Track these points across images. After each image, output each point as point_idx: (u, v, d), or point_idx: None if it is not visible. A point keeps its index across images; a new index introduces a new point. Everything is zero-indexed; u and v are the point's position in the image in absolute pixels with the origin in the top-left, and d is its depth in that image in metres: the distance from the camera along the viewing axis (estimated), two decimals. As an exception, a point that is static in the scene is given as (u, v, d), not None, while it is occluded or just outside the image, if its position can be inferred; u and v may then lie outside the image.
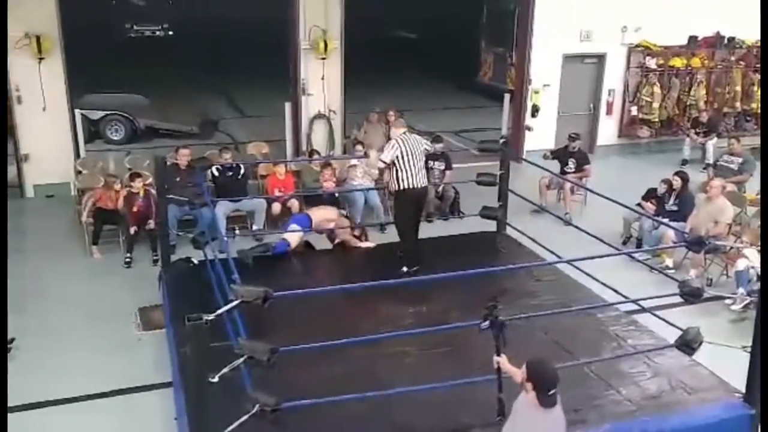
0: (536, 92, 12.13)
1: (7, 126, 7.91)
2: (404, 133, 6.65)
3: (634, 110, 12.69)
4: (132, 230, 8.03)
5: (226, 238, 6.50)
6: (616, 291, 5.93)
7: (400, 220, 6.78)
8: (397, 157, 6.52)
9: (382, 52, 20.21)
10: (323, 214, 7.37)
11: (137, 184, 8.32)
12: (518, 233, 7.41)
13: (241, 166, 8.83)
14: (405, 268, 6.54)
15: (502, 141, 7.49)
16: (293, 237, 7.00)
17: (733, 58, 13.07)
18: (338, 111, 10.95)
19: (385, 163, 6.54)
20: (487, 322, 4.28)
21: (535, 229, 7.71)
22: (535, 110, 12.19)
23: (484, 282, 5.95)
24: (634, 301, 5.61)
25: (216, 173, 8.61)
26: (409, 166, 6.49)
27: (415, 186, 6.50)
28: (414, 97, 17.14)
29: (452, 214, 9.55)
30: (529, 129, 12.17)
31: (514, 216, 7.92)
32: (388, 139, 6.94)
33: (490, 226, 7.71)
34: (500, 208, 7.56)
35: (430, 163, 9.52)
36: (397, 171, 6.54)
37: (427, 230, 7.95)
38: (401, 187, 6.52)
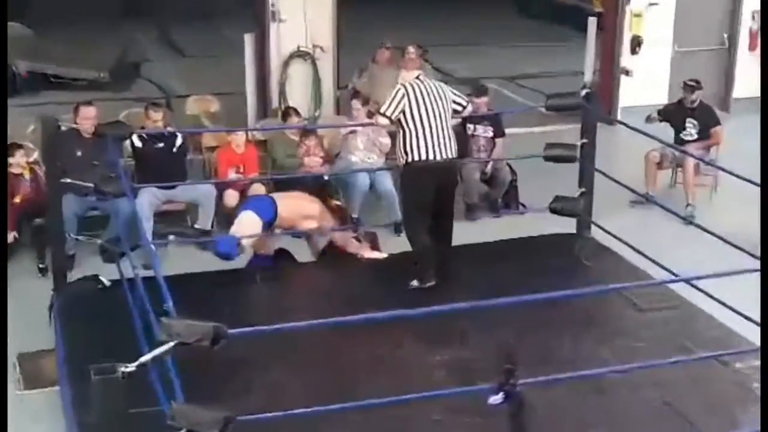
0: (637, 16, 12.11)
1: (7, 126, 8.16)
2: (418, 77, 6.71)
3: (791, 43, 12.64)
4: (11, 237, 8.07)
5: (153, 246, 6.50)
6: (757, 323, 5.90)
7: (406, 211, 6.88)
8: (403, 111, 6.59)
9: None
10: (296, 206, 7.33)
11: (18, 160, 8.36)
12: (610, 237, 7.39)
13: (178, 133, 8.86)
14: (415, 282, 6.63)
15: (584, 93, 7.46)
16: (247, 232, 7.00)
17: None
18: (328, 47, 10.96)
19: (386, 117, 6.68)
20: (499, 395, 4.24)
21: (637, 231, 7.69)
22: (637, 44, 12.16)
23: (554, 312, 5.95)
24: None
25: (138, 144, 8.65)
26: (422, 127, 6.56)
27: (431, 157, 6.57)
28: (447, 26, 17.19)
29: (507, 207, 9.54)
30: (627, 74, 12.15)
31: (604, 210, 7.90)
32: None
33: (566, 225, 7.70)
34: (582, 197, 7.54)
35: (470, 127, 9.53)
36: (403, 133, 6.62)
37: (468, 232, 7.95)
38: (408, 159, 6.62)
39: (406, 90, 6.64)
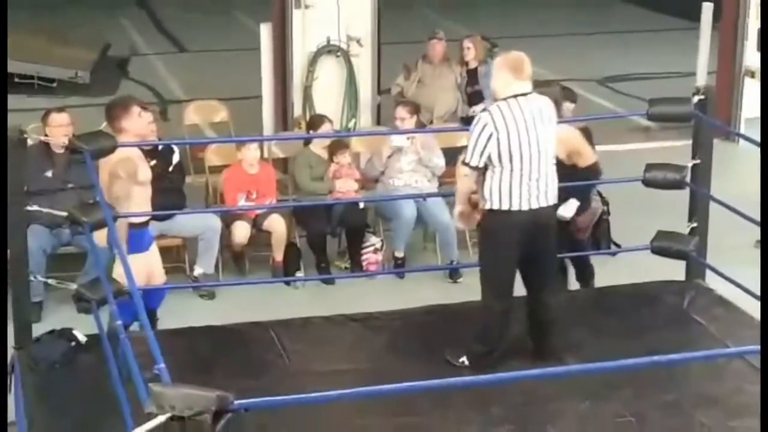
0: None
1: (6, 125, 8.45)
2: (515, 97, 6.33)
3: None
4: None
5: (139, 291, 6.54)
6: None
7: (485, 268, 6.70)
8: (491, 151, 6.31)
9: None
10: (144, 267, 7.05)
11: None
12: (731, 286, 7.33)
13: (174, 148, 8.96)
14: (464, 359, 6.54)
15: (696, 99, 7.46)
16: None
17: None
18: (366, 40, 11.04)
19: (472, 168, 6.39)
20: None
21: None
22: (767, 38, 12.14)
23: (654, 382, 5.90)
24: None
25: (123, 162, 8.75)
26: (515, 168, 6.34)
27: (522, 207, 6.38)
28: (519, 13, 17.25)
29: (596, 246, 9.52)
30: (752, 75, 12.12)
31: (724, 252, 7.87)
32: (468, 96, 6.88)
33: (673, 270, 7.68)
34: (694, 234, 7.53)
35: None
36: (490, 174, 6.44)
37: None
38: (494, 206, 6.44)
39: (493, 118, 6.28)
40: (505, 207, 6.35)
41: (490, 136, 6.26)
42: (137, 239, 7.02)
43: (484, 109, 6.60)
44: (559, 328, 6.66)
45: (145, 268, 7.00)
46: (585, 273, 8.37)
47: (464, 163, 6.41)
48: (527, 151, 6.28)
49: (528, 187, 6.33)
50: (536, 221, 6.40)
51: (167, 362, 4.57)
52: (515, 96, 6.32)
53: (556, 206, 6.59)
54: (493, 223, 6.46)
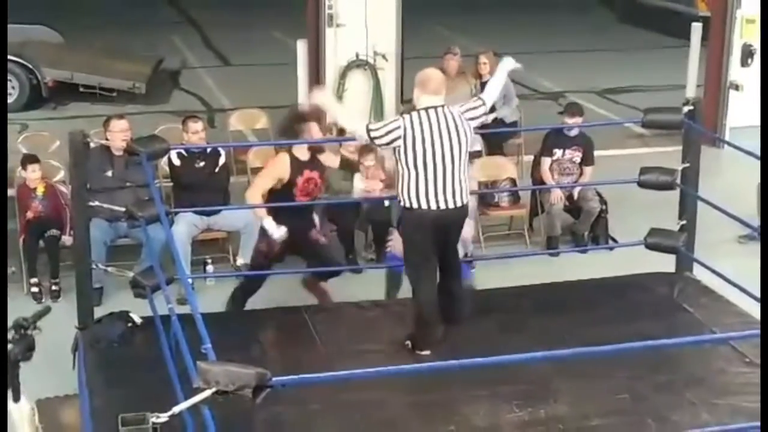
0: (750, 22, 12.01)
1: (6, 125, 8.51)
2: (428, 110, 6.29)
3: None
4: (21, 240, 8.38)
5: (190, 279, 6.56)
6: None
7: (407, 260, 6.65)
8: (397, 143, 6.27)
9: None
10: None
11: (31, 175, 8.60)
12: (716, 278, 7.29)
13: (221, 151, 8.97)
14: (408, 343, 6.52)
15: (686, 109, 7.42)
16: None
17: None
18: (391, 55, 11.02)
19: (368, 137, 6.36)
20: None
21: (748, 271, 7.55)
22: (749, 54, 12.05)
23: (645, 366, 5.90)
24: None
25: (177, 162, 8.76)
26: (419, 170, 6.26)
27: (431, 207, 6.30)
28: (527, 31, 17.20)
29: (595, 242, 9.49)
30: (736, 88, 12.04)
31: (710, 246, 7.86)
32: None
33: (664, 263, 7.65)
34: (683, 231, 7.49)
35: (557, 152, 9.50)
36: (402, 173, 6.37)
37: (549, 269, 7.91)
38: (407, 204, 6.38)
39: (405, 123, 6.25)
40: (414, 203, 6.31)
41: (397, 128, 6.25)
42: None
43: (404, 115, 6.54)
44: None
45: None
46: None
47: (367, 129, 6.38)
48: (432, 148, 6.21)
49: (432, 186, 6.25)
50: (440, 219, 6.32)
51: (213, 343, 4.60)
52: (426, 109, 6.30)
53: (460, 208, 6.39)
54: (409, 220, 6.43)
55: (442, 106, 6.32)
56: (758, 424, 5.34)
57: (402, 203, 6.40)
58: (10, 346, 5.04)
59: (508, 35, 15.96)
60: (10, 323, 5.10)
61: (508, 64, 6.78)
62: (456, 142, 6.25)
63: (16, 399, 5.07)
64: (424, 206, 6.28)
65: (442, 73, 6.71)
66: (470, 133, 6.38)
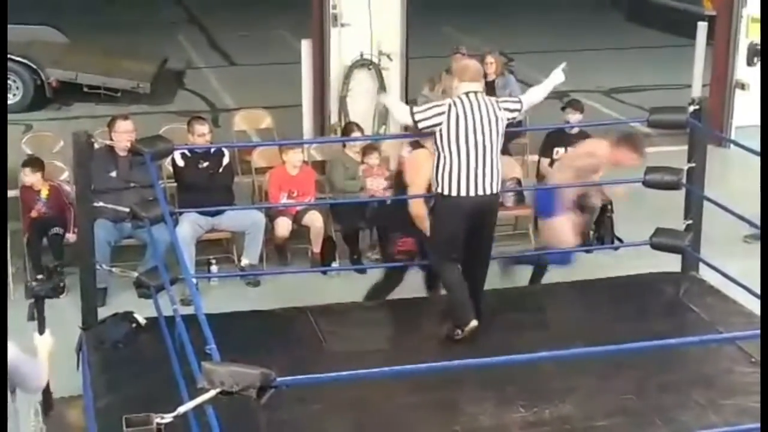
0: (756, 21, 11.98)
1: (6, 125, 8.57)
2: (471, 93, 6.47)
3: None
4: (25, 238, 8.44)
5: (195, 280, 6.56)
6: None
7: (434, 244, 6.73)
8: (440, 128, 6.41)
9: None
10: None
11: (32, 178, 8.65)
12: (721, 278, 7.29)
13: (225, 151, 8.97)
14: (459, 331, 6.52)
15: (692, 109, 7.41)
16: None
17: None
18: (396, 55, 11.02)
19: (412, 120, 6.52)
20: None
21: (754, 271, 7.54)
22: (754, 53, 12.02)
23: (651, 366, 5.90)
24: None
25: (181, 163, 8.77)
26: (462, 155, 6.38)
27: (468, 193, 6.40)
28: (533, 32, 17.18)
29: (600, 242, 9.47)
30: (742, 87, 12.02)
31: (716, 246, 7.85)
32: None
33: (670, 263, 7.64)
34: (689, 230, 7.47)
35: (559, 151, 9.49)
36: (438, 157, 6.49)
37: (555, 269, 7.90)
38: (442, 191, 6.48)
39: (449, 107, 6.43)
40: (449, 190, 6.44)
41: (443, 113, 6.44)
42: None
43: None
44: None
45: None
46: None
47: (411, 113, 6.55)
48: (472, 138, 6.39)
49: (470, 172, 6.40)
50: (475, 206, 6.46)
51: (217, 343, 4.59)
52: (469, 93, 6.48)
53: (493, 195, 6.54)
54: (443, 206, 6.54)
55: (482, 92, 6.53)
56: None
57: (438, 189, 6.51)
58: (35, 284, 5.55)
59: (515, 35, 15.99)
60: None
61: (558, 76, 6.92)
62: (495, 129, 6.45)
63: (41, 332, 5.23)
64: (463, 193, 6.41)
65: (477, 64, 6.93)
66: (505, 122, 6.53)
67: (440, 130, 6.41)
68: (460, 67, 6.82)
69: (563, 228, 7.61)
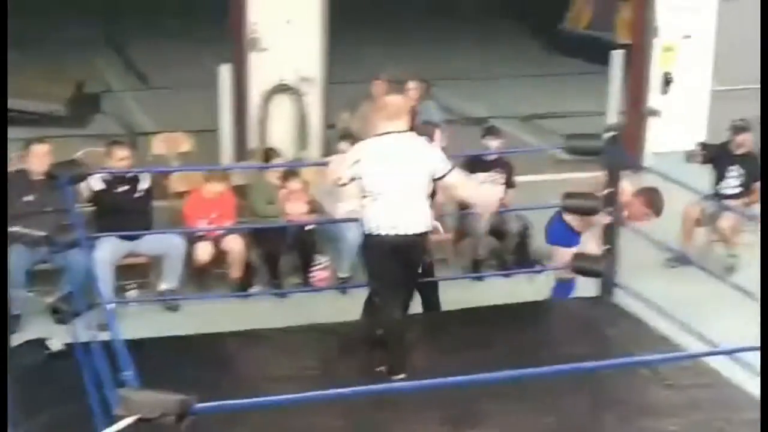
0: (668, 50, 12.23)
1: (6, 124, 8.34)
2: (390, 134, 6.30)
3: None
4: None
5: (112, 305, 6.47)
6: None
7: (370, 284, 6.72)
8: (357, 176, 6.32)
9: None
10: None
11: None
12: (638, 302, 7.41)
13: (142, 175, 8.88)
14: (382, 368, 6.48)
15: (608, 135, 7.52)
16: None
17: None
18: (316, 80, 11.04)
19: (340, 179, 6.43)
20: None
21: (669, 295, 7.68)
22: (667, 82, 12.26)
23: (569, 389, 5.94)
24: None
25: (98, 187, 8.66)
26: (380, 193, 6.28)
27: (389, 233, 6.30)
28: (452, 57, 17.33)
29: (519, 266, 9.55)
30: (655, 115, 12.25)
31: (633, 270, 7.92)
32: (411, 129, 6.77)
33: (588, 288, 7.72)
34: (606, 255, 7.57)
35: (480, 176, 9.57)
36: (364, 197, 6.42)
37: (473, 293, 7.94)
38: (367, 230, 6.42)
39: (364, 151, 6.35)
40: (373, 229, 6.33)
41: (356, 153, 6.34)
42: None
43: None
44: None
45: None
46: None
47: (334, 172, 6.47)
48: (392, 175, 6.22)
49: (391, 211, 6.26)
50: (399, 245, 6.32)
51: (135, 369, 4.54)
52: (383, 134, 6.32)
53: (419, 235, 6.38)
54: (369, 245, 6.48)
55: (402, 131, 6.32)
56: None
57: (364, 229, 6.44)
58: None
59: (435, 62, 16.10)
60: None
61: (475, 193, 6.81)
62: (414, 169, 6.26)
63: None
64: (383, 233, 6.30)
65: (401, 99, 6.80)
66: (431, 162, 6.32)
67: (360, 173, 6.31)
68: (380, 104, 6.65)
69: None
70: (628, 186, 7.65)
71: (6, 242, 6.73)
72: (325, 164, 7.53)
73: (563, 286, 7.77)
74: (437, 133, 7.64)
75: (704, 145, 10.11)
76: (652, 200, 7.55)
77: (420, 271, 6.70)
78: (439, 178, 6.38)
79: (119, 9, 19.62)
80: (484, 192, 6.77)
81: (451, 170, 6.41)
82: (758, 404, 6.27)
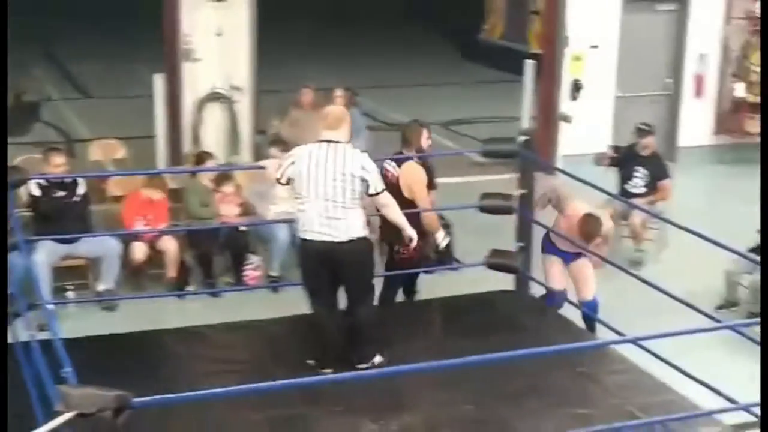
0: (577, 59, 12.38)
1: (6, 124, 8.04)
2: (323, 143, 6.23)
3: (739, 89, 13.00)
4: None
5: (51, 306, 6.37)
6: (716, 391, 6.01)
7: (303, 284, 6.66)
8: (292, 177, 6.27)
9: (320, -10, 20.53)
10: None
11: None
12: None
13: (80, 180, 8.76)
14: (311, 360, 6.46)
15: (521, 140, 7.57)
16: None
17: None
18: (246, 88, 10.98)
19: (277, 179, 6.38)
20: None
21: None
22: (576, 88, 12.40)
23: (488, 377, 5.98)
24: (746, 409, 5.65)
25: (36, 192, 8.53)
26: (309, 201, 6.24)
27: (314, 238, 6.26)
28: (375, 67, 17.37)
29: (440, 264, 9.57)
30: (566, 120, 12.38)
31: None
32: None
33: (504, 282, 7.75)
34: (521, 252, 7.62)
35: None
36: (296, 200, 6.39)
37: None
38: (299, 232, 6.41)
39: (297, 154, 6.28)
40: (301, 234, 6.32)
41: (291, 163, 6.28)
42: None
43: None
44: (367, 336, 6.53)
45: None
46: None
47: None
48: (318, 184, 6.15)
49: (314, 219, 6.20)
50: (319, 251, 6.26)
51: (75, 367, 4.47)
52: (320, 141, 6.26)
53: (337, 243, 6.25)
54: (300, 248, 6.47)
55: (338, 141, 6.21)
56: (596, 428, 5.50)
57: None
58: None
59: (359, 70, 16.11)
60: None
61: (401, 221, 6.63)
62: (349, 179, 6.14)
63: None
64: (308, 237, 6.26)
65: (342, 110, 6.68)
66: (362, 175, 6.17)
67: (294, 174, 6.26)
68: (322, 112, 6.55)
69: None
70: (580, 205, 7.59)
71: (6, 242, 6.56)
72: (258, 168, 7.52)
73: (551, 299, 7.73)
74: (425, 133, 7.66)
75: (616, 148, 10.22)
76: (585, 225, 7.41)
77: (357, 275, 6.46)
78: (372, 195, 6.26)
79: (57, 22, 19.32)
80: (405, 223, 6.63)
81: (382, 191, 6.30)
82: (666, 388, 6.40)
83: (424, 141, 7.66)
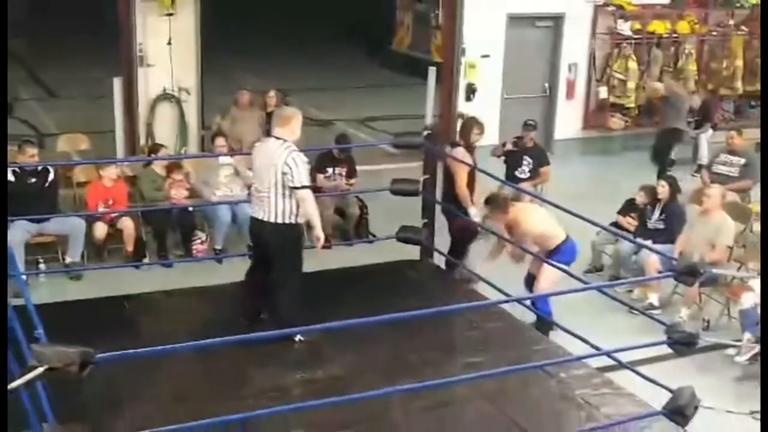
0: (472, 66, 12.44)
1: (6, 124, 7.66)
2: (270, 138, 6.28)
3: (603, 92, 13.23)
4: None
5: (24, 276, 6.24)
6: (583, 340, 6.11)
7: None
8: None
9: (256, 5, 20.23)
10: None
11: None
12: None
13: (49, 168, 8.58)
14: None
15: (425, 134, 7.60)
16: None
17: (731, 22, 13.80)
18: (193, 90, 10.86)
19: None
20: None
21: (475, 257, 7.86)
22: (471, 91, 12.48)
23: (397, 333, 6.03)
24: (608, 354, 5.73)
25: (11, 179, 8.32)
26: (254, 185, 6.43)
27: (252, 215, 6.40)
28: (304, 73, 17.27)
29: (358, 238, 9.61)
30: (462, 117, 12.40)
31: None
32: (266, 132, 6.76)
33: (412, 253, 7.81)
34: (425, 227, 7.67)
35: (329, 171, 9.61)
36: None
37: (323, 260, 7.97)
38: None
39: (256, 147, 6.41)
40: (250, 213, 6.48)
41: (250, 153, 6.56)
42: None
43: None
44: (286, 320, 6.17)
45: None
46: None
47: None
48: (257, 173, 6.29)
49: (254, 200, 6.33)
50: (256, 227, 6.31)
51: (45, 329, 4.42)
52: (268, 136, 6.39)
53: (264, 222, 6.19)
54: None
55: (279, 137, 6.17)
56: (482, 374, 5.57)
57: None
58: None
59: (290, 75, 16.01)
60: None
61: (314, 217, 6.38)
62: (273, 172, 6.09)
63: None
64: (251, 215, 6.36)
65: (292, 110, 6.56)
66: (286, 170, 6.06)
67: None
68: (276, 112, 6.77)
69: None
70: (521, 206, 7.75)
71: (6, 242, 6.37)
72: (203, 156, 7.46)
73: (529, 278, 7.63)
74: (475, 129, 8.04)
75: (515, 142, 10.32)
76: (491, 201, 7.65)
77: (279, 257, 6.29)
78: (295, 188, 6.11)
79: (22, 20, 18.70)
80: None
81: (302, 186, 6.13)
82: (544, 339, 6.52)
83: (474, 136, 8.03)
